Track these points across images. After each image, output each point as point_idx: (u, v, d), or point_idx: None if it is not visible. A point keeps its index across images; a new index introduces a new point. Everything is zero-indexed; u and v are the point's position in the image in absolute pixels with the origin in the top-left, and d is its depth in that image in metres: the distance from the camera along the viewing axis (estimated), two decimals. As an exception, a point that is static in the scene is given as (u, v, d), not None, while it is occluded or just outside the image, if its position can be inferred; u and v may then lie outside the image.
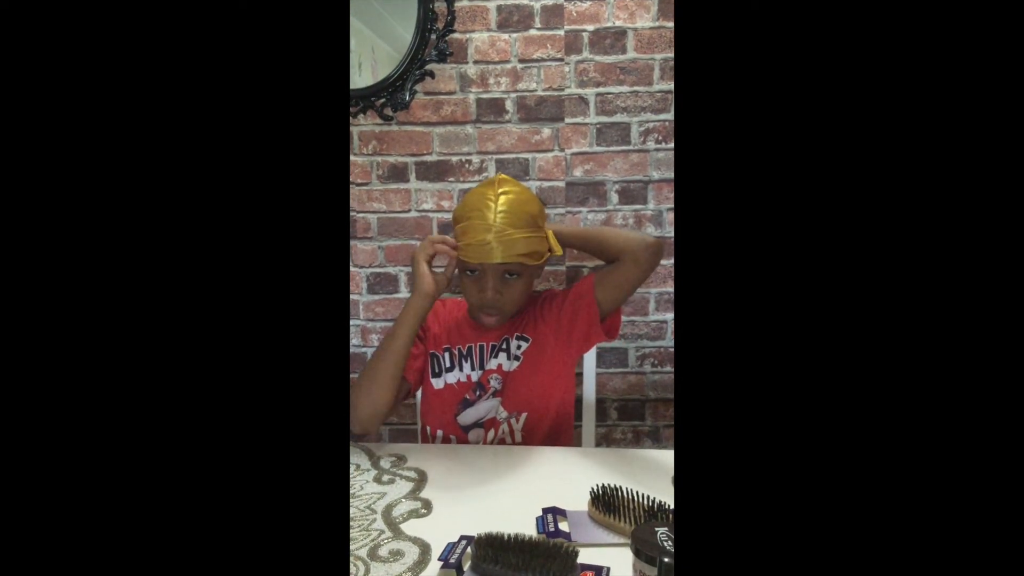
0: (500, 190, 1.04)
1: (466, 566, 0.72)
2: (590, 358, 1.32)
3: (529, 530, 0.78)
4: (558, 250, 1.10)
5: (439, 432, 1.15)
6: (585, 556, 0.71)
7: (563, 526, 0.79)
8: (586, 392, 1.34)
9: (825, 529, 0.32)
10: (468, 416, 1.13)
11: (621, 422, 1.58)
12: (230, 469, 0.38)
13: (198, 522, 0.37)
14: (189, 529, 0.36)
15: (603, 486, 0.82)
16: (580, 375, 1.32)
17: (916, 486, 0.31)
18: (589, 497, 0.82)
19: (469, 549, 0.73)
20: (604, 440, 1.58)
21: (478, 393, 1.12)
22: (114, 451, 0.36)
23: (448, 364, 1.14)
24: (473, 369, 1.13)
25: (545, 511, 0.82)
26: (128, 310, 0.36)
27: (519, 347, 1.14)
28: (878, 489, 0.32)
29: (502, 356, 1.13)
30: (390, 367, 1.05)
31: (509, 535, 0.72)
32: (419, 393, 1.21)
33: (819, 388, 0.33)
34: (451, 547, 0.74)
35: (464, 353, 1.14)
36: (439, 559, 0.72)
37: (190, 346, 0.37)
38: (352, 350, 1.60)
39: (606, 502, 0.80)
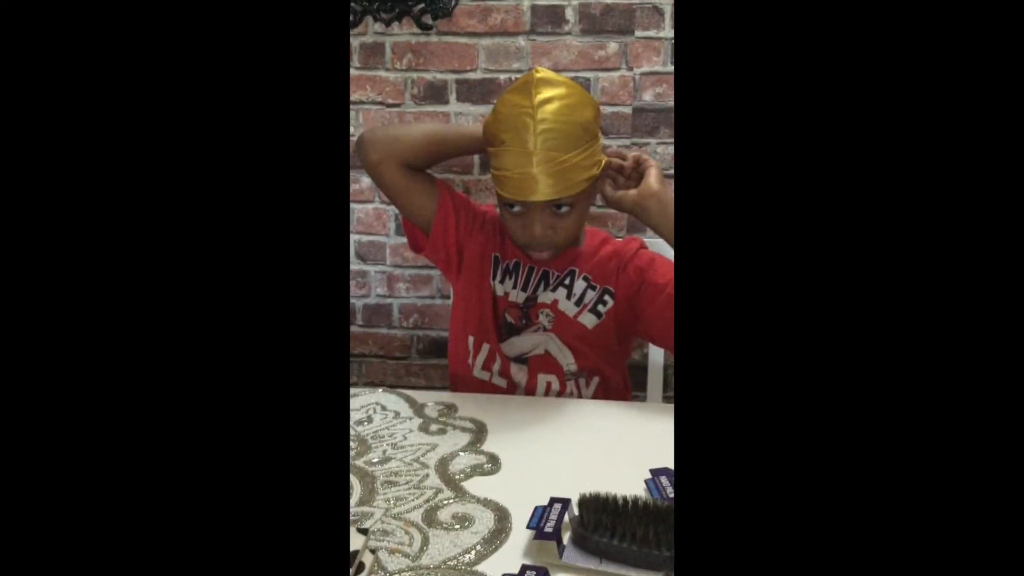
0: (539, 96, 0.81)
1: (565, 537, 0.52)
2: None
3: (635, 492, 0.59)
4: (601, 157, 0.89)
5: (479, 348, 0.97)
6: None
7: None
8: (652, 355, 1.14)
9: (827, 533, 0.33)
10: (514, 346, 0.95)
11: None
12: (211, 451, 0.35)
13: (192, 521, 0.35)
14: (185, 529, 0.35)
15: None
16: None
17: (921, 482, 0.33)
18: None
19: (566, 516, 0.53)
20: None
21: (524, 322, 0.95)
22: (111, 448, 0.35)
23: (493, 271, 0.97)
24: (515, 288, 0.96)
25: (654, 473, 0.63)
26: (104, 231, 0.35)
27: (605, 303, 0.95)
28: (880, 491, 0.33)
29: (560, 292, 0.94)
30: (428, 135, 0.96)
31: (621, 497, 0.53)
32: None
33: (821, 390, 0.34)
34: (542, 512, 0.53)
35: (510, 268, 0.96)
36: (528, 527, 0.52)
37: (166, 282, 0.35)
38: (376, 300, 1.41)
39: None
